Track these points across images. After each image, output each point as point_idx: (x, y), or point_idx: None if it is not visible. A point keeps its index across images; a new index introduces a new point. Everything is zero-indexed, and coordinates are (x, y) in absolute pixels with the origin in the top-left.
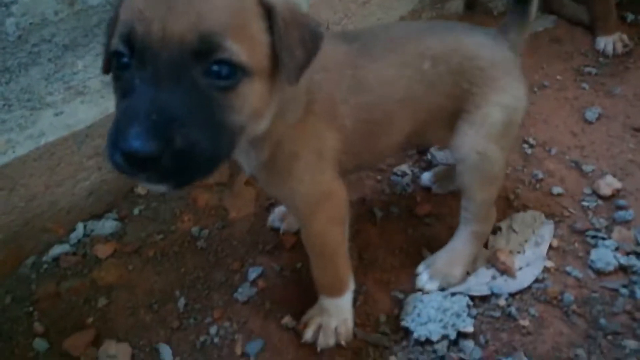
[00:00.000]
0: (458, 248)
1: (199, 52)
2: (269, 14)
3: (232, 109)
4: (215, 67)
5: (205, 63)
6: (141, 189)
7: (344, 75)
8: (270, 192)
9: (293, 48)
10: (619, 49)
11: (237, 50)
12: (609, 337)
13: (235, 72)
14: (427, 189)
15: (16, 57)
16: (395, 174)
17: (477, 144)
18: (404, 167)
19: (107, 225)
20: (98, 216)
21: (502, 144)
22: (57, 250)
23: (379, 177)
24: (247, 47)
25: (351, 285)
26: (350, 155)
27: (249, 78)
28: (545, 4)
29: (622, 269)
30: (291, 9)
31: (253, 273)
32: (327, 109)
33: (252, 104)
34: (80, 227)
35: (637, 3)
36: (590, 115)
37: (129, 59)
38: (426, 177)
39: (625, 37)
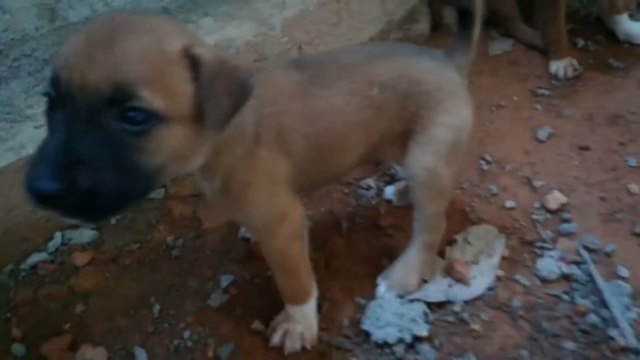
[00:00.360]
0: (411, 258)
1: (113, 99)
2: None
3: (146, 152)
4: (130, 114)
5: (119, 110)
6: None
7: (295, 105)
8: (228, 215)
9: (218, 98)
10: (570, 72)
11: (150, 99)
12: (550, 339)
13: (149, 118)
14: (390, 202)
15: None
16: (361, 187)
17: (425, 162)
18: (370, 181)
19: (85, 234)
20: (76, 226)
21: (450, 161)
22: (35, 258)
23: (346, 190)
24: (164, 95)
25: (314, 293)
26: (304, 177)
27: (165, 124)
28: (504, 28)
29: (565, 277)
30: (220, 61)
31: (225, 281)
32: (276, 138)
33: (170, 147)
34: (58, 236)
35: (587, 30)
36: (542, 134)
37: (55, 102)
38: (389, 190)
39: (575, 62)
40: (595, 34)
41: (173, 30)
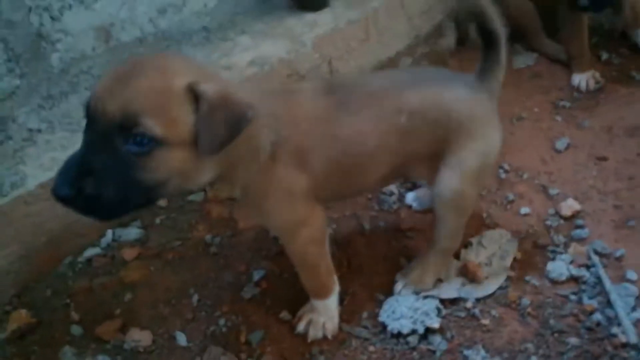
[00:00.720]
0: (429, 260)
1: (122, 126)
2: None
3: (146, 170)
4: (137, 138)
5: (127, 134)
6: (162, 201)
7: (318, 128)
8: (252, 219)
9: (215, 127)
10: (592, 85)
11: (152, 126)
12: (556, 334)
13: (150, 142)
14: (411, 207)
15: (59, 86)
16: (384, 193)
17: (452, 183)
18: (392, 188)
19: (133, 232)
20: (125, 224)
21: (476, 183)
22: (90, 252)
23: (369, 196)
24: (165, 124)
25: (335, 289)
26: (326, 190)
27: (165, 147)
28: (528, 43)
29: (574, 279)
30: (222, 96)
31: (257, 275)
32: (295, 157)
33: (168, 166)
34: (109, 233)
35: (611, 43)
36: (560, 144)
37: (86, 124)
38: (410, 196)
39: (597, 74)
40: (619, 47)
41: (183, 69)
